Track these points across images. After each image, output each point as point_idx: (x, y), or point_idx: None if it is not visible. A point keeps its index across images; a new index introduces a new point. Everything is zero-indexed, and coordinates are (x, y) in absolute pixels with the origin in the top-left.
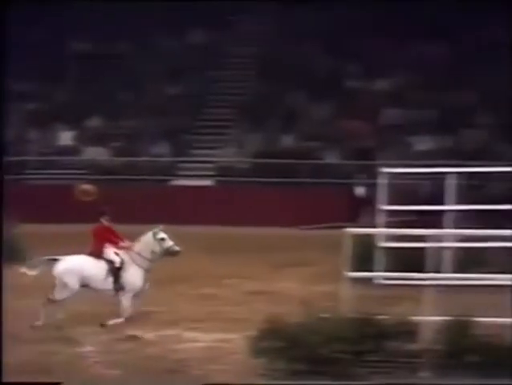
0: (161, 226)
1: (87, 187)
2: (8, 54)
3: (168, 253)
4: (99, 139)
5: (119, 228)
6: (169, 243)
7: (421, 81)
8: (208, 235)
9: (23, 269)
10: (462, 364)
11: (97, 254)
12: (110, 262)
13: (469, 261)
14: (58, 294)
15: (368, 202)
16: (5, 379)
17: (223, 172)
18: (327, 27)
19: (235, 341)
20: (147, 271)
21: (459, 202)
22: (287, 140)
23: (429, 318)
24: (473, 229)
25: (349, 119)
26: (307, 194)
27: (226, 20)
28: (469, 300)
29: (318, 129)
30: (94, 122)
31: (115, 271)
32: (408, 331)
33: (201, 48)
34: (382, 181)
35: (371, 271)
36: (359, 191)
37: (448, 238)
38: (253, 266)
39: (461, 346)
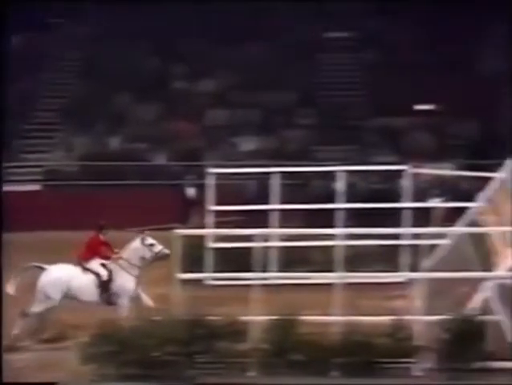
0: (147, 232)
1: None
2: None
3: (158, 257)
4: None
5: None
6: (158, 248)
7: (245, 82)
8: (35, 240)
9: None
10: (288, 362)
11: (84, 265)
12: (96, 274)
13: (294, 259)
14: (35, 307)
15: (198, 203)
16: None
17: (51, 176)
18: (153, 28)
19: (67, 348)
20: (137, 278)
21: (283, 201)
22: (115, 142)
23: (257, 318)
24: (298, 228)
25: (176, 121)
26: (137, 196)
27: (51, 22)
28: (295, 298)
29: (145, 131)
30: None
31: (103, 283)
32: (238, 331)
33: (27, 51)
34: (209, 182)
35: (201, 272)
36: (189, 192)
37: (274, 237)
38: None
39: (287, 345)
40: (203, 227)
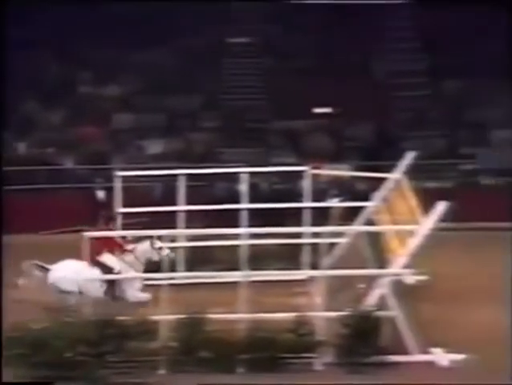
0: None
1: None
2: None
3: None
4: None
5: None
6: (166, 252)
7: (150, 86)
8: None
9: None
10: (196, 360)
11: (94, 260)
12: (106, 269)
13: (201, 259)
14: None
15: (107, 205)
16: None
17: None
18: (58, 33)
19: None
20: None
21: (190, 203)
22: (22, 148)
23: (166, 317)
24: (204, 228)
25: (83, 125)
26: (46, 200)
27: None
28: (202, 297)
29: (53, 135)
30: None
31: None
32: (147, 331)
33: None
34: (117, 184)
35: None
36: (99, 195)
37: (180, 238)
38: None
39: (195, 343)
40: (112, 229)
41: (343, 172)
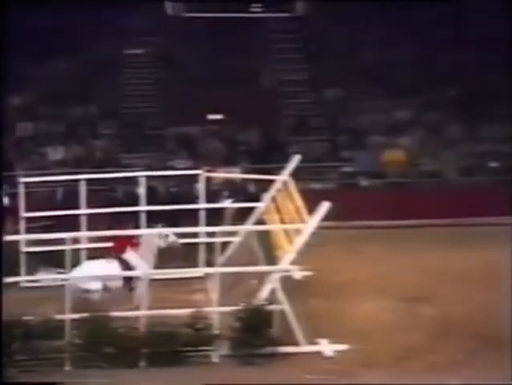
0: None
1: None
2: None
3: (171, 246)
4: None
5: None
6: (173, 238)
7: (52, 95)
8: None
9: None
10: (100, 356)
11: (116, 256)
12: (126, 263)
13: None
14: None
15: (13, 210)
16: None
17: None
18: None
19: None
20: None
21: (91, 206)
22: None
23: (71, 316)
24: (105, 230)
25: None
26: None
27: None
28: (105, 296)
29: None
30: None
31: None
32: (53, 329)
33: None
34: (21, 190)
35: (19, 276)
36: (4, 201)
37: (83, 240)
38: None
39: (99, 340)
40: (17, 233)
41: (235, 174)
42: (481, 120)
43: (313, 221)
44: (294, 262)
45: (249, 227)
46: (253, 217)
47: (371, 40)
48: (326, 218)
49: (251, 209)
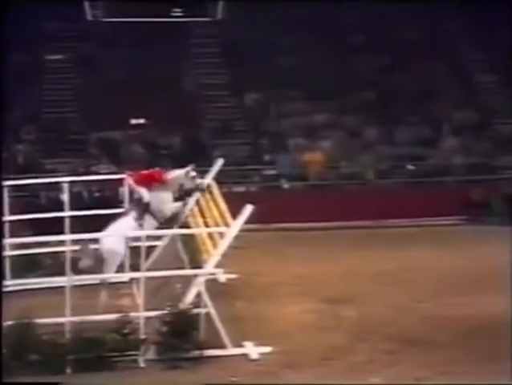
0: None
1: None
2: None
3: (197, 189)
4: None
5: None
6: (199, 180)
7: None
8: None
9: None
10: (27, 363)
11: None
12: (140, 201)
13: (26, 266)
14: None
15: None
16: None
17: None
18: None
19: None
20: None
21: (14, 213)
22: None
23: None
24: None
25: None
26: None
27: None
28: (30, 303)
29: None
30: None
31: (145, 206)
32: None
33: None
34: None
35: None
36: None
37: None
38: None
39: (25, 347)
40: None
41: None
42: (398, 123)
43: (236, 224)
44: (218, 265)
45: (173, 231)
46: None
47: (291, 44)
48: (249, 221)
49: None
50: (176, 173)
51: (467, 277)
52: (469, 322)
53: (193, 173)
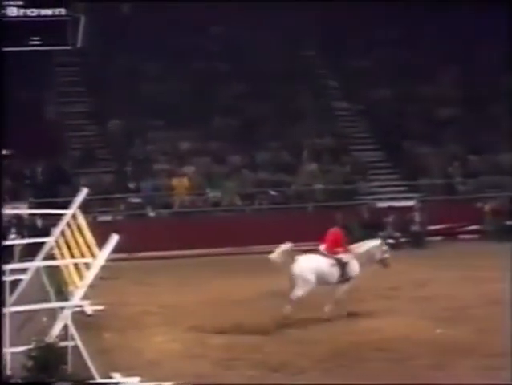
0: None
1: None
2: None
3: (381, 262)
4: None
5: None
6: (388, 255)
7: None
8: None
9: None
10: None
11: (329, 253)
12: (339, 260)
13: None
14: (299, 291)
15: None
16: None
17: None
18: None
19: None
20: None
21: None
22: None
23: None
24: None
25: None
26: None
27: None
28: None
29: None
30: None
31: (343, 267)
32: None
33: None
34: None
35: None
36: None
37: None
38: None
39: None
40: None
41: (22, 210)
42: (260, 149)
43: (103, 255)
44: (85, 297)
45: (38, 263)
46: (43, 253)
47: (154, 71)
48: (116, 250)
49: (40, 245)
50: (367, 244)
51: None
52: None
53: (386, 247)
